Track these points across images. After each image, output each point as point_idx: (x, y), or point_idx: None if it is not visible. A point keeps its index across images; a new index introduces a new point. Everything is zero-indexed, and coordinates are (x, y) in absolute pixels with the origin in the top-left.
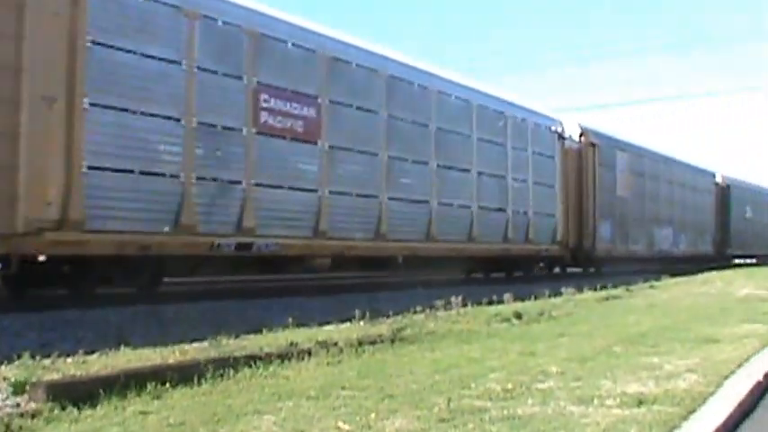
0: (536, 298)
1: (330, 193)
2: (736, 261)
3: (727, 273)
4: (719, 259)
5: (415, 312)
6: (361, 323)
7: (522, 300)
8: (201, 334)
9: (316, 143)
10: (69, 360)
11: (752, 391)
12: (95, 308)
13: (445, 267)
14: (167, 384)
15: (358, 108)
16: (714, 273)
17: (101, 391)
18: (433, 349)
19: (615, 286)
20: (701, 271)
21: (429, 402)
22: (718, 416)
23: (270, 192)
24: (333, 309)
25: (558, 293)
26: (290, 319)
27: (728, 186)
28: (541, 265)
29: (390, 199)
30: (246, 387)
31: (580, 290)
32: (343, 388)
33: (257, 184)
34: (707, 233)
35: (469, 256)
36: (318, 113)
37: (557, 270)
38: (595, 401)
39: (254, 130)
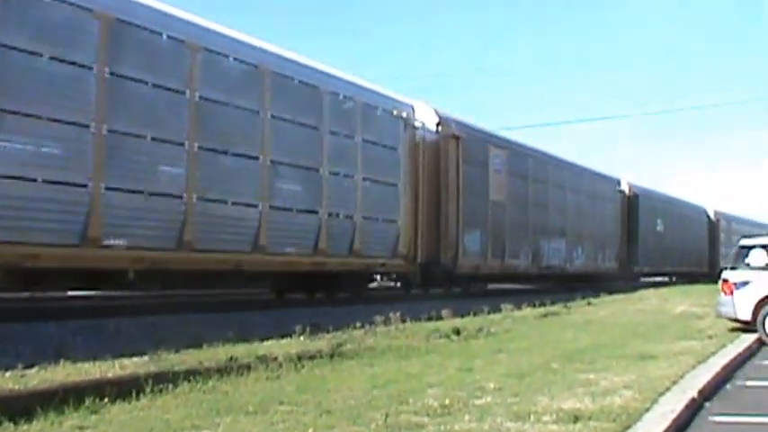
0: (475, 314)
1: None
2: (645, 279)
3: (664, 290)
4: (626, 277)
5: (355, 328)
6: (302, 338)
7: (462, 316)
8: (142, 348)
9: None
10: (8, 374)
11: (687, 407)
12: (37, 321)
13: (226, 285)
14: (106, 399)
15: (53, 59)
16: (651, 290)
17: (38, 406)
18: (372, 365)
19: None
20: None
21: (367, 418)
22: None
23: None
24: (274, 324)
25: (497, 310)
26: (231, 334)
27: (636, 195)
28: (396, 284)
29: (110, 189)
30: (185, 402)
31: (519, 306)
32: (281, 403)
33: None
34: (610, 247)
35: (257, 271)
36: None
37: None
38: (532, 418)
39: None
